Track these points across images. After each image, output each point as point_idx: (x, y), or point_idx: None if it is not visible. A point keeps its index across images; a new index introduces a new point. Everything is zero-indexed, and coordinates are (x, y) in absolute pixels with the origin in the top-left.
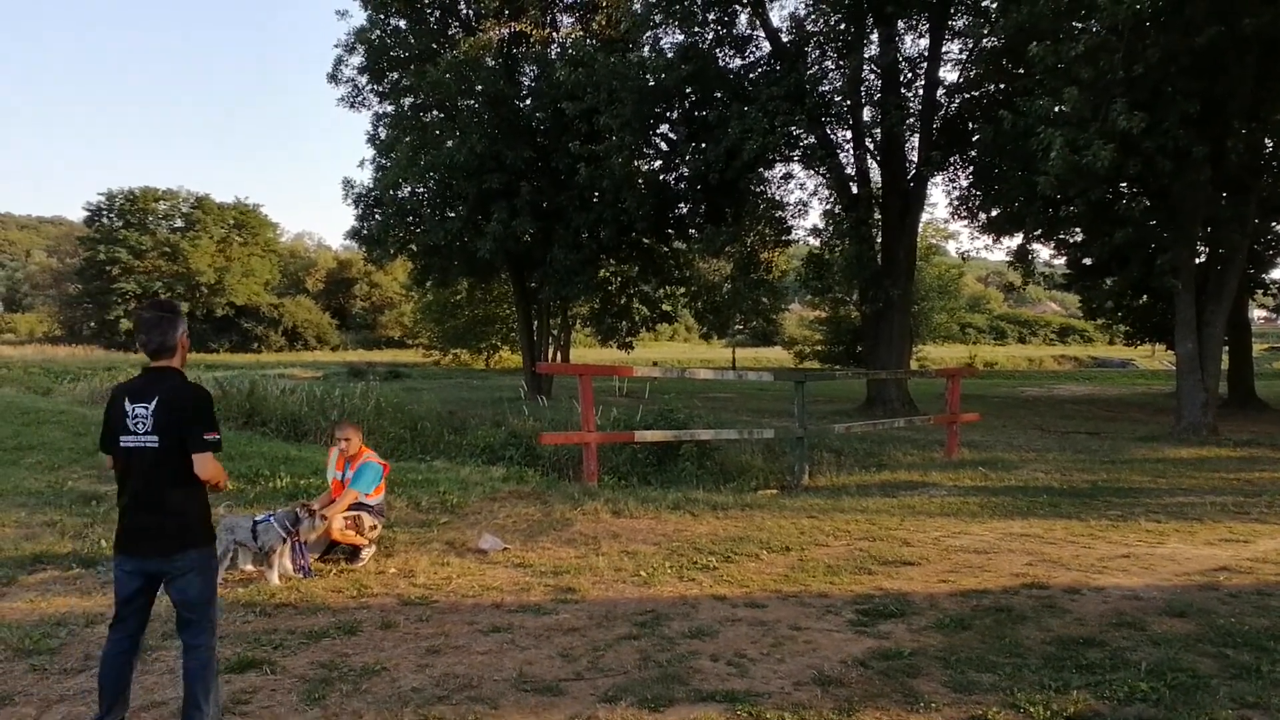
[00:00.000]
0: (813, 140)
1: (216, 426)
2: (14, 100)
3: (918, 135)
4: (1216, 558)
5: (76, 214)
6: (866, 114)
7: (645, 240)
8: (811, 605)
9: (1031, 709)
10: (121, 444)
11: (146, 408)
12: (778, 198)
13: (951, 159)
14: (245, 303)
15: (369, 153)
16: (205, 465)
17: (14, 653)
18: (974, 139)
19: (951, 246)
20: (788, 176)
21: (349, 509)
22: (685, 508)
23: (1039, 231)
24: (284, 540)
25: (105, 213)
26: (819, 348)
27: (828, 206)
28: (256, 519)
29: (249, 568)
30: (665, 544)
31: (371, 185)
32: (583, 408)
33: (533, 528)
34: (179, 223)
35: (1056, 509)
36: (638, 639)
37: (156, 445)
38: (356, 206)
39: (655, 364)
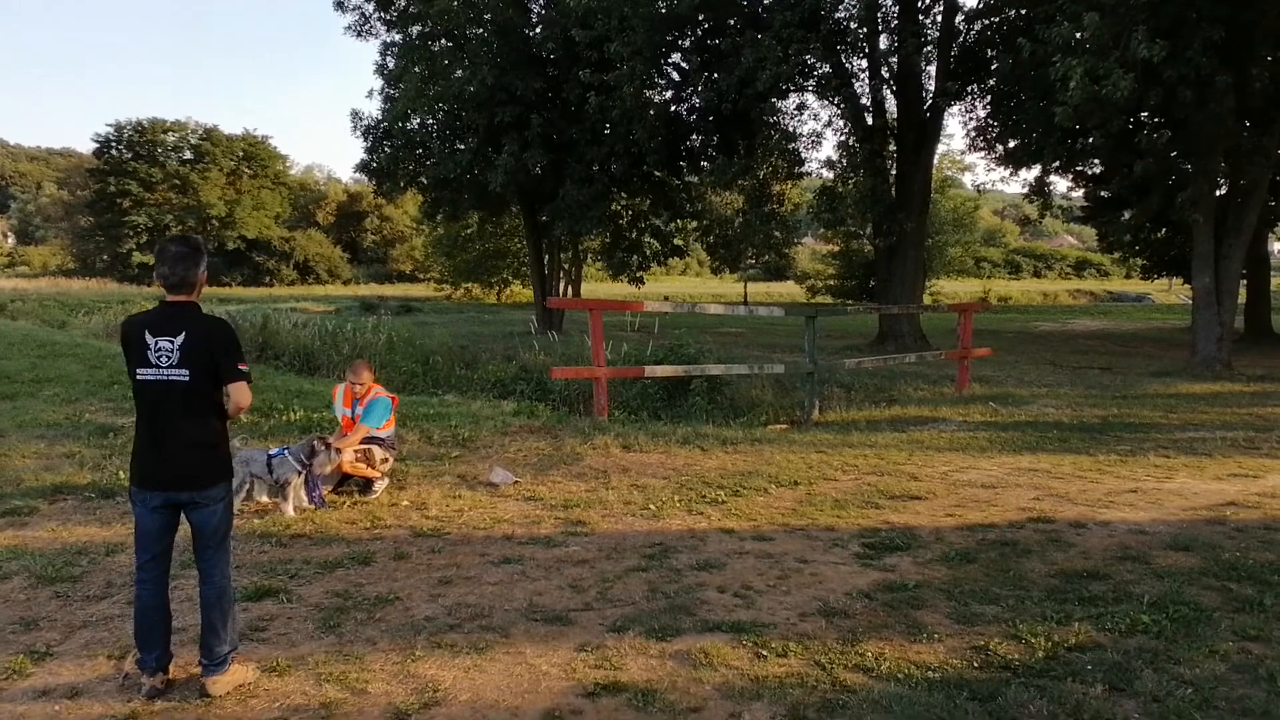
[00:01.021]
0: (827, 69)
1: (244, 357)
2: (18, 30)
3: (935, 64)
4: (1224, 493)
5: (85, 145)
6: (883, 42)
7: (657, 173)
8: (818, 539)
9: (1033, 640)
10: (139, 377)
11: (172, 341)
12: (791, 129)
13: (969, 89)
14: (256, 236)
15: (377, 83)
16: (242, 393)
17: (38, 580)
18: (993, 68)
19: (968, 179)
20: (801, 107)
21: (360, 443)
22: (695, 442)
23: (1057, 164)
24: (298, 473)
25: (114, 144)
26: (831, 282)
27: (842, 138)
28: (270, 453)
29: (265, 500)
30: (674, 478)
31: (380, 117)
32: (593, 343)
33: (543, 461)
34: (188, 155)
35: (1066, 444)
36: (646, 571)
37: (186, 379)
38: (365, 139)
39: (667, 299)
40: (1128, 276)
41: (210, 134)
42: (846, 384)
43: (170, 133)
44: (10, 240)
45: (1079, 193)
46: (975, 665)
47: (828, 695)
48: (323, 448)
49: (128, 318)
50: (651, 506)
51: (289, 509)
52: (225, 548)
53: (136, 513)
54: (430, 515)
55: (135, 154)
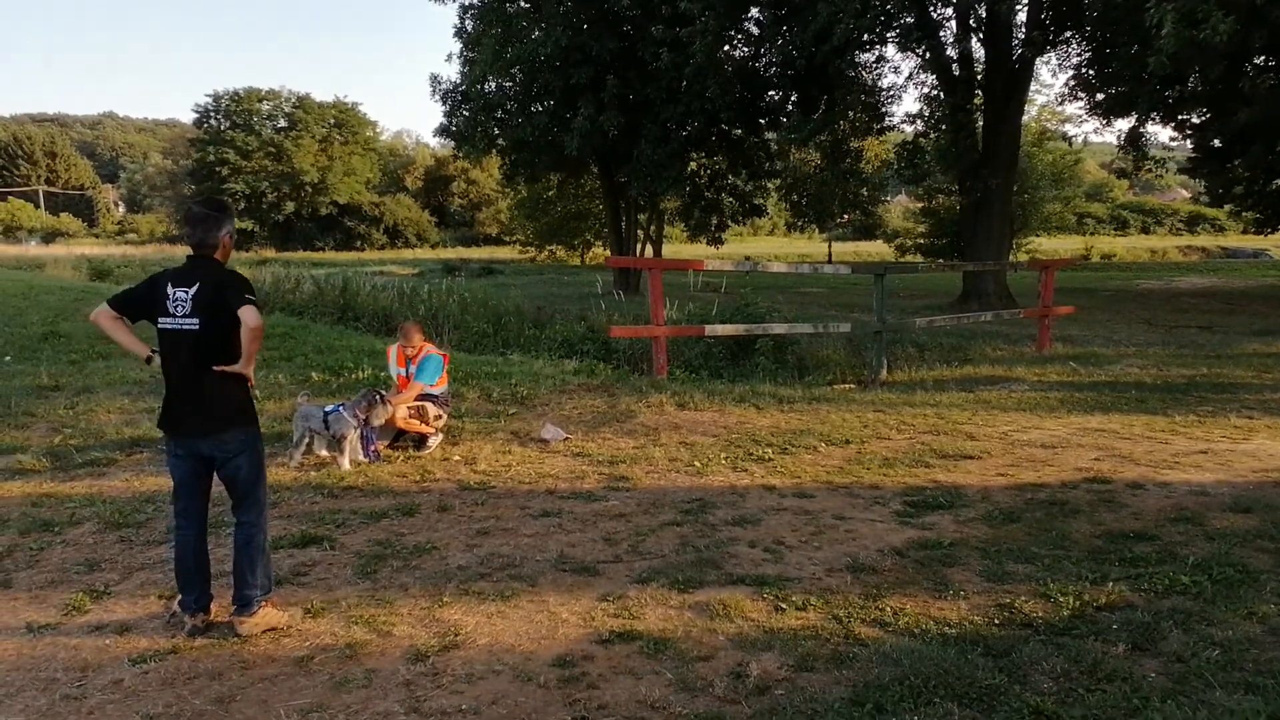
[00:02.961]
0: (910, 20)
1: (254, 292)
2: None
3: (1025, 11)
4: None
5: (188, 116)
6: None
7: (735, 131)
8: (860, 496)
9: (1062, 598)
10: (160, 326)
11: (187, 291)
12: (870, 83)
13: (1063, 37)
14: (348, 201)
15: (456, 46)
16: (250, 314)
17: (106, 525)
18: (1087, 14)
19: (1071, 131)
20: (881, 59)
21: (414, 400)
22: (751, 401)
23: (1154, 114)
24: (354, 428)
25: (213, 114)
26: (921, 241)
27: (926, 91)
28: (327, 409)
29: (324, 453)
30: (724, 436)
31: (458, 80)
32: (652, 302)
33: (597, 419)
34: (282, 123)
35: (1143, 404)
36: (680, 525)
37: (197, 327)
38: (444, 102)
39: (748, 259)
40: (1245, 231)
41: (303, 102)
42: (921, 343)
43: (265, 101)
44: (121, 209)
45: (1184, 143)
46: (996, 622)
47: (839, 648)
48: (379, 400)
49: (160, 272)
50: (697, 463)
51: (345, 462)
52: (255, 496)
53: (169, 462)
54: (479, 470)
55: (232, 123)
